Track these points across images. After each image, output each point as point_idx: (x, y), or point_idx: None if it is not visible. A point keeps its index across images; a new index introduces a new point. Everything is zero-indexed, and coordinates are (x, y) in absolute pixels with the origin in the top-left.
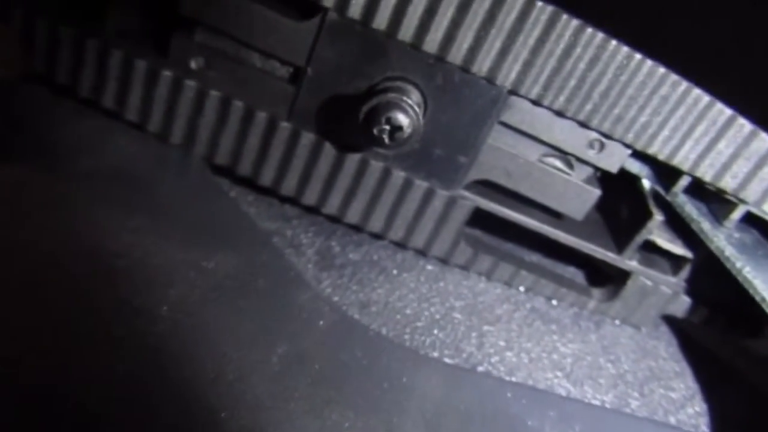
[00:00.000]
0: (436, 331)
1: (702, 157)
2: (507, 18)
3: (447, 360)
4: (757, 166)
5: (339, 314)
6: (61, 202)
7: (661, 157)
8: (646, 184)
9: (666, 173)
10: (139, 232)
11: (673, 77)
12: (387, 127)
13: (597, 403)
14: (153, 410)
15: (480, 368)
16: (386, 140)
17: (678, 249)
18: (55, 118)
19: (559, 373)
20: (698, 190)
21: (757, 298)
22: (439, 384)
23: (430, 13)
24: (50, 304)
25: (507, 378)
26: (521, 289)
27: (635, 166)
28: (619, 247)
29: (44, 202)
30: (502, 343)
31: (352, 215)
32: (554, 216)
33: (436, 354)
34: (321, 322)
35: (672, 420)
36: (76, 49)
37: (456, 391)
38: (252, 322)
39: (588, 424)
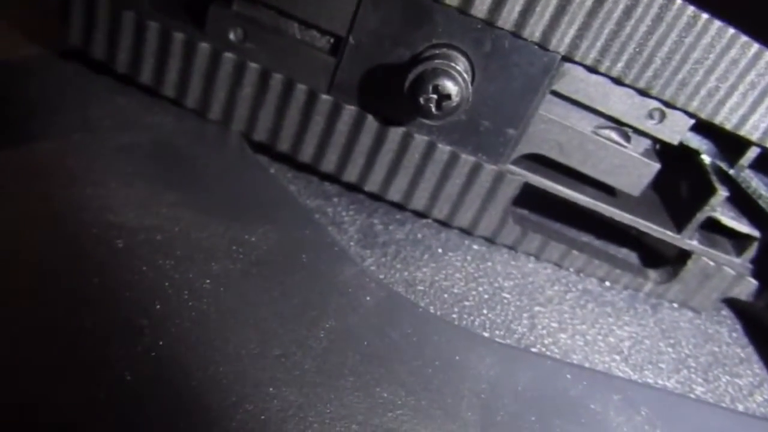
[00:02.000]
0: (485, 311)
1: None
2: None
3: (499, 340)
4: None
5: (386, 291)
6: (99, 176)
7: (728, 126)
8: (706, 159)
9: (730, 146)
10: (179, 206)
11: (743, 39)
12: (434, 96)
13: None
14: (195, 386)
15: (533, 350)
16: (433, 110)
17: (743, 227)
18: (93, 94)
19: (617, 357)
20: (765, 163)
21: None
22: (493, 364)
23: None
24: (90, 276)
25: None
26: (572, 270)
27: (695, 140)
28: (679, 225)
29: (82, 177)
30: (554, 325)
31: (395, 192)
32: (608, 193)
33: (486, 334)
34: (368, 298)
35: (740, 407)
36: (112, 23)
37: (512, 371)
38: (296, 297)
39: (655, 409)
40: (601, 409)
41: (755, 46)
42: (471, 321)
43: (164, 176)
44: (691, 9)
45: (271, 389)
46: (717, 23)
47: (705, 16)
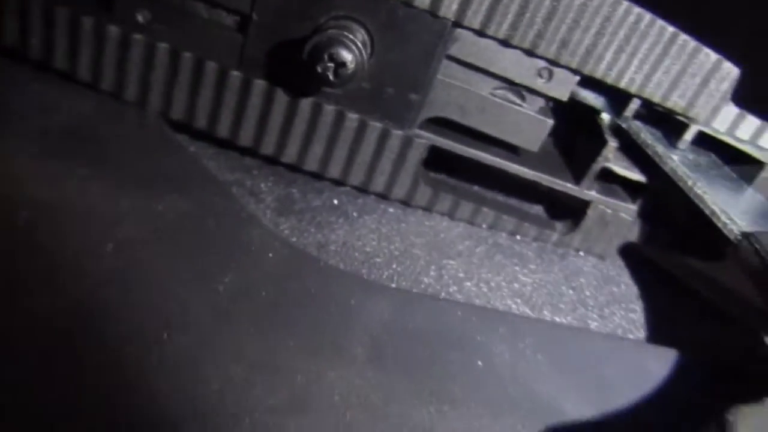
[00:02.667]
0: (395, 266)
1: (648, 77)
2: None
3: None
4: (704, 83)
5: (289, 248)
6: (12, 156)
7: (609, 80)
8: (604, 116)
9: (618, 99)
10: (89, 180)
11: None
12: (331, 65)
13: None
14: (96, 337)
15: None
16: (331, 77)
17: (635, 175)
18: (8, 82)
19: (518, 300)
20: (652, 115)
21: (707, 212)
22: (387, 306)
23: None
24: None
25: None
26: (484, 226)
27: (589, 96)
28: (577, 177)
29: None
30: (461, 275)
31: (311, 162)
32: (512, 151)
33: (394, 285)
34: (270, 255)
35: (630, 337)
36: (21, 10)
37: (404, 312)
38: (199, 258)
39: (538, 337)
40: (486, 340)
41: (624, 3)
42: (380, 275)
43: (78, 154)
44: None
45: (165, 336)
46: None
47: None
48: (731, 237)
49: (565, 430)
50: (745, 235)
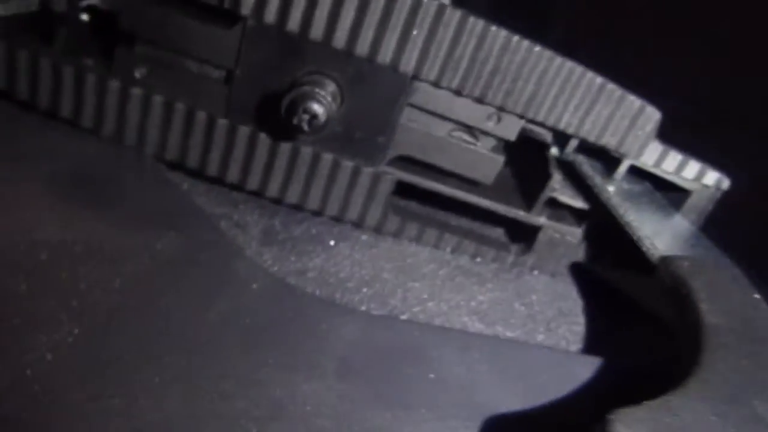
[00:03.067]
0: (365, 290)
1: (582, 120)
2: (400, 14)
3: (374, 312)
4: (631, 124)
5: (271, 278)
6: (25, 201)
7: (549, 123)
8: (553, 150)
9: (561, 136)
10: (95, 221)
11: (548, 53)
12: (305, 116)
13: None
14: (102, 362)
15: (402, 317)
16: (305, 127)
17: (578, 203)
18: (17, 131)
19: (474, 317)
20: (593, 150)
21: (634, 238)
22: (354, 328)
23: (334, 14)
24: (19, 283)
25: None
26: (447, 250)
27: (538, 132)
28: (528, 205)
29: (10, 203)
30: (425, 296)
31: (291, 196)
32: (470, 183)
33: (363, 308)
34: (254, 286)
35: (573, 348)
36: (32, 68)
37: (369, 333)
38: (193, 288)
39: (485, 352)
40: (438, 354)
41: (558, 59)
42: (351, 298)
43: (83, 197)
44: (503, 33)
45: (166, 358)
46: (525, 42)
47: (516, 37)
48: (652, 260)
49: (500, 430)
50: (662, 259)
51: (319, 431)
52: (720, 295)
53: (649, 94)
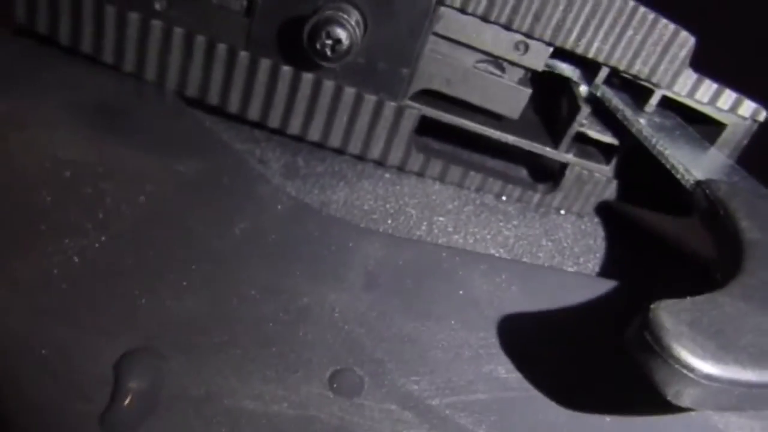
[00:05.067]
0: (390, 221)
1: (613, 47)
2: None
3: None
4: (664, 51)
5: (295, 201)
6: (49, 127)
7: (579, 51)
8: (580, 85)
9: (589, 68)
10: (118, 145)
11: None
12: (328, 42)
13: None
14: (125, 271)
15: None
16: (329, 53)
17: (607, 138)
18: (41, 64)
19: (501, 250)
20: (621, 81)
21: (668, 167)
22: (381, 246)
23: None
24: (45, 196)
25: None
26: (472, 188)
27: (563, 67)
28: (555, 141)
29: (34, 128)
30: (450, 229)
31: (313, 133)
32: (495, 118)
33: None
34: (279, 207)
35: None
36: (52, 2)
37: (396, 251)
38: (216, 207)
39: (514, 273)
40: (467, 274)
41: None
42: (376, 229)
43: (106, 124)
44: None
45: (192, 266)
46: None
47: None
48: (687, 186)
49: (528, 343)
50: (698, 183)
51: (348, 336)
52: (759, 215)
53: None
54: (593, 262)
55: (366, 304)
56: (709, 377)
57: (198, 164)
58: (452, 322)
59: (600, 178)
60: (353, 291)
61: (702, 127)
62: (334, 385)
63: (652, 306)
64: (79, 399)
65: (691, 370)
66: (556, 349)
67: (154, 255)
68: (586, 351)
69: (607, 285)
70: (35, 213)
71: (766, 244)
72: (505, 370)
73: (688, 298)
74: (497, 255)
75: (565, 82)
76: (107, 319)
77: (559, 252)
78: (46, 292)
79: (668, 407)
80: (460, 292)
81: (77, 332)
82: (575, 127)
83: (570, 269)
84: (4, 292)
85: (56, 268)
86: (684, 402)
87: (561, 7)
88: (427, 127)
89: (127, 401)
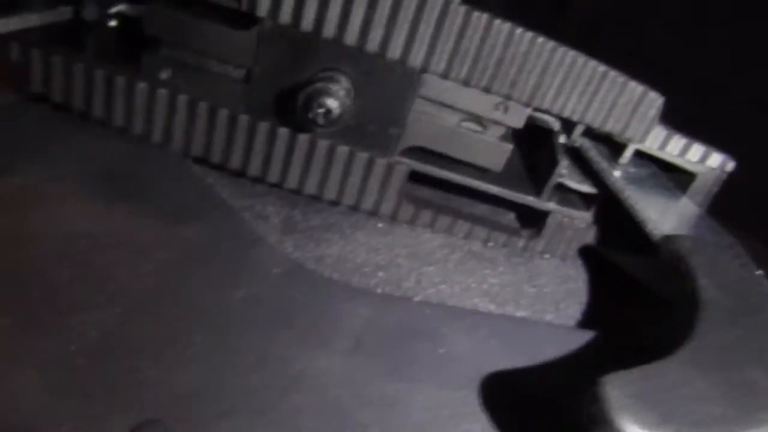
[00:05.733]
0: (380, 274)
1: (587, 107)
2: (408, 12)
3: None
4: (634, 110)
5: (292, 264)
6: (61, 199)
7: (554, 111)
8: (560, 137)
9: (568, 124)
10: (128, 214)
11: (551, 44)
12: (320, 110)
13: None
14: (137, 338)
15: (416, 299)
16: (321, 121)
17: (585, 188)
18: (53, 132)
19: (485, 298)
20: (600, 135)
21: (637, 220)
22: (369, 308)
23: (345, 13)
24: (62, 269)
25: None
26: (460, 236)
27: (545, 118)
28: (538, 191)
29: (47, 201)
30: (437, 279)
31: (309, 187)
32: (480, 171)
33: (379, 290)
34: (276, 270)
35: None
36: (65, 72)
37: (383, 312)
38: (219, 273)
39: (493, 329)
40: (448, 332)
41: (561, 49)
42: (367, 282)
43: (116, 192)
44: (507, 26)
45: (195, 336)
46: (529, 34)
47: (519, 30)
48: (654, 240)
49: (506, 401)
50: (664, 238)
51: (335, 400)
52: (719, 271)
53: (665, 74)
54: (573, 307)
55: (352, 367)
56: None
57: (202, 229)
58: (432, 382)
59: (580, 224)
60: (341, 354)
61: (677, 174)
62: None
63: (599, 380)
64: None
65: None
66: (531, 405)
67: (161, 327)
68: (559, 410)
69: (582, 336)
70: (54, 290)
71: (720, 303)
72: (480, 428)
73: (636, 368)
74: (481, 304)
75: (547, 134)
76: (119, 394)
77: (540, 298)
78: (66, 369)
79: None
80: (441, 351)
81: (92, 407)
82: (555, 179)
83: (551, 315)
84: (28, 369)
85: (74, 344)
86: None
87: (536, 73)
88: (417, 178)
89: None
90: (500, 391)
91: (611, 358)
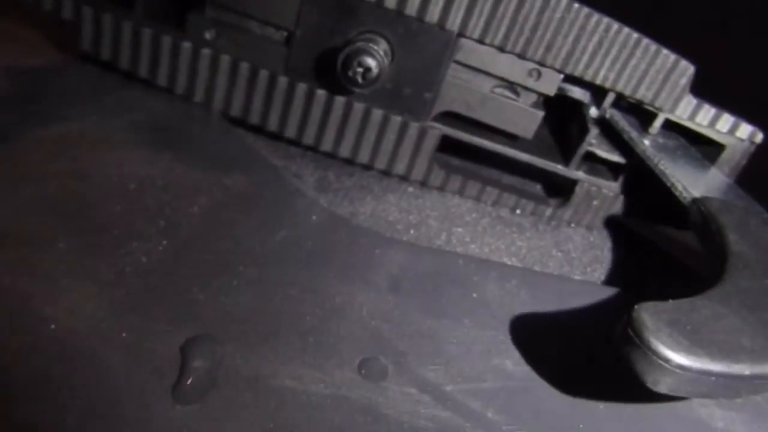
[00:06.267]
0: (412, 231)
1: (619, 75)
2: None
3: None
4: (665, 78)
5: (329, 213)
6: (113, 145)
7: (587, 78)
8: (591, 109)
9: (598, 92)
10: (173, 161)
11: (585, 10)
12: (360, 70)
13: None
14: (187, 269)
15: None
16: (360, 80)
17: (615, 157)
18: (103, 87)
19: (514, 258)
20: (629, 104)
21: (668, 185)
22: (404, 254)
23: None
24: (114, 205)
25: None
26: (488, 202)
27: (575, 90)
28: (566, 160)
29: (100, 146)
30: (467, 239)
31: (344, 150)
32: (511, 138)
33: None
34: (314, 218)
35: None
36: (114, 31)
37: (417, 258)
38: (259, 217)
39: (523, 280)
40: (480, 279)
41: (596, 15)
42: (400, 238)
43: (161, 142)
44: None
45: (240, 268)
46: (564, 0)
47: None
48: (685, 203)
49: (533, 341)
50: (695, 200)
51: (375, 330)
52: (747, 230)
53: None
54: (599, 271)
55: (390, 304)
56: (681, 367)
57: (243, 179)
58: (466, 321)
59: (608, 194)
60: (379, 292)
61: (704, 147)
62: (363, 371)
63: (635, 306)
64: (153, 374)
65: (666, 360)
66: (558, 347)
67: (208, 258)
68: (586, 348)
69: (608, 292)
70: (108, 221)
71: (748, 255)
72: (511, 363)
73: (670, 300)
74: (510, 264)
75: (577, 105)
76: (173, 310)
77: (567, 262)
78: (121, 287)
79: (652, 396)
80: (474, 295)
81: (149, 320)
82: (585, 147)
83: (577, 278)
84: (88, 285)
85: (128, 267)
86: (661, 389)
87: (570, 39)
88: (448, 145)
89: (191, 379)
90: (530, 333)
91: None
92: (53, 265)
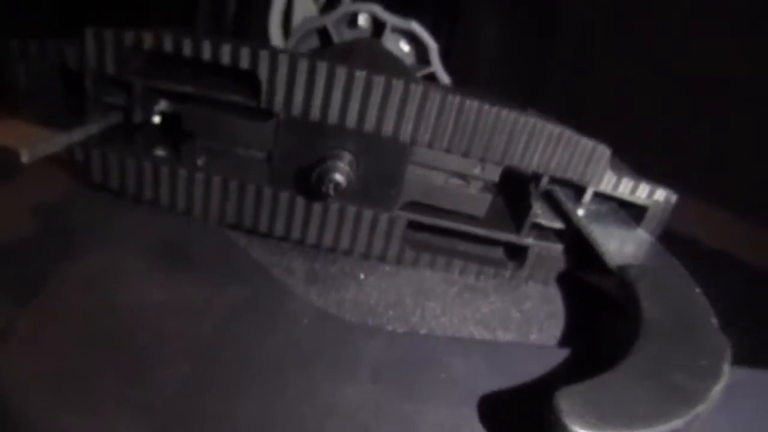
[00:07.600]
0: (390, 312)
1: (549, 162)
2: (395, 99)
3: (398, 330)
4: (588, 161)
5: (319, 312)
6: (129, 272)
7: (522, 167)
8: (534, 186)
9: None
10: (181, 284)
11: (513, 114)
12: (331, 185)
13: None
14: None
15: (421, 331)
16: (332, 192)
17: (557, 224)
18: (113, 214)
19: (479, 326)
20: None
21: (599, 252)
22: (383, 344)
23: (344, 103)
24: (135, 331)
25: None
26: (456, 272)
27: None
28: (518, 229)
29: (116, 274)
30: (438, 312)
31: (326, 242)
32: (467, 216)
33: (390, 327)
34: (305, 320)
35: (559, 343)
36: (120, 165)
37: (394, 347)
38: (258, 324)
39: (483, 354)
40: (447, 359)
41: (522, 118)
42: (380, 320)
43: (170, 263)
44: (476, 104)
45: (244, 380)
46: (494, 108)
47: (486, 106)
48: (611, 269)
49: (497, 412)
50: (618, 268)
51: (362, 423)
52: (661, 294)
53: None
54: (553, 327)
55: (374, 394)
56: None
57: (239, 291)
58: (437, 401)
59: (556, 254)
60: (364, 385)
61: (632, 209)
62: None
63: (555, 393)
64: None
65: None
66: (520, 415)
67: (222, 374)
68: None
69: (557, 354)
70: (138, 350)
71: (661, 321)
72: None
73: (586, 381)
74: (476, 332)
75: (524, 181)
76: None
77: (525, 321)
78: (154, 413)
79: None
80: (443, 375)
81: None
82: (531, 219)
83: (534, 335)
84: (134, 412)
85: (156, 394)
86: None
87: (504, 139)
88: (416, 227)
89: None
90: (491, 407)
91: (576, 370)
92: (93, 398)
